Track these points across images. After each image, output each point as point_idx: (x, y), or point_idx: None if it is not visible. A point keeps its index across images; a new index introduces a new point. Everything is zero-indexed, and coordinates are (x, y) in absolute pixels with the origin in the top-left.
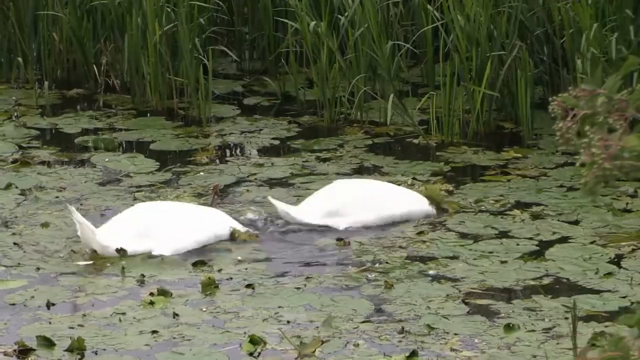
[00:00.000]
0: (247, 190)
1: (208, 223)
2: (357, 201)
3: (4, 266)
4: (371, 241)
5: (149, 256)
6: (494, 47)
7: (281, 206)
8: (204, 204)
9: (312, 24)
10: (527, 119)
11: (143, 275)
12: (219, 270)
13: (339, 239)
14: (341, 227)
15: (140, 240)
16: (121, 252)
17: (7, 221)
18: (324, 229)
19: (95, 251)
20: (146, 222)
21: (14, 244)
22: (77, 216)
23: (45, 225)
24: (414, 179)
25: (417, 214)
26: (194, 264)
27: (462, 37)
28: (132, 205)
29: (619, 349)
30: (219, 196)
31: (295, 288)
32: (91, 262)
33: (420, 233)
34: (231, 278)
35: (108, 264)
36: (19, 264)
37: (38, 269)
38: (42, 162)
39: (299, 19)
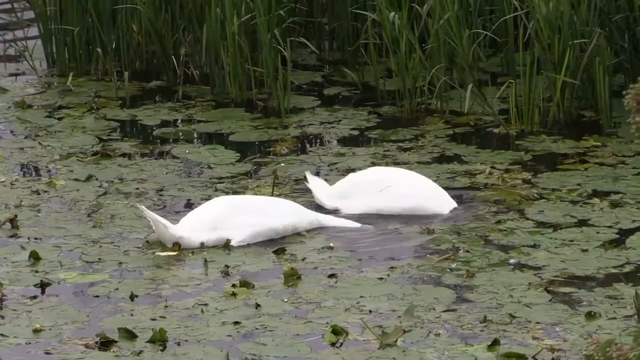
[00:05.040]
0: (326, 179)
1: (283, 214)
2: (370, 187)
3: (86, 260)
4: (452, 230)
5: (226, 245)
6: (574, 34)
7: (314, 182)
8: (281, 194)
9: (392, 14)
10: (606, 107)
11: (227, 266)
12: (303, 259)
13: (423, 228)
14: (346, 211)
15: (215, 232)
16: (203, 246)
17: (88, 213)
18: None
19: (176, 243)
20: (221, 214)
21: (92, 241)
22: (149, 214)
23: (125, 217)
24: (492, 167)
25: (428, 209)
26: (275, 252)
27: (544, 24)
28: (212, 196)
29: None
30: (277, 179)
31: (378, 278)
32: (173, 253)
33: (499, 222)
34: (316, 267)
35: (190, 254)
36: (101, 256)
37: (120, 263)
38: (122, 154)
39: (379, 10)
